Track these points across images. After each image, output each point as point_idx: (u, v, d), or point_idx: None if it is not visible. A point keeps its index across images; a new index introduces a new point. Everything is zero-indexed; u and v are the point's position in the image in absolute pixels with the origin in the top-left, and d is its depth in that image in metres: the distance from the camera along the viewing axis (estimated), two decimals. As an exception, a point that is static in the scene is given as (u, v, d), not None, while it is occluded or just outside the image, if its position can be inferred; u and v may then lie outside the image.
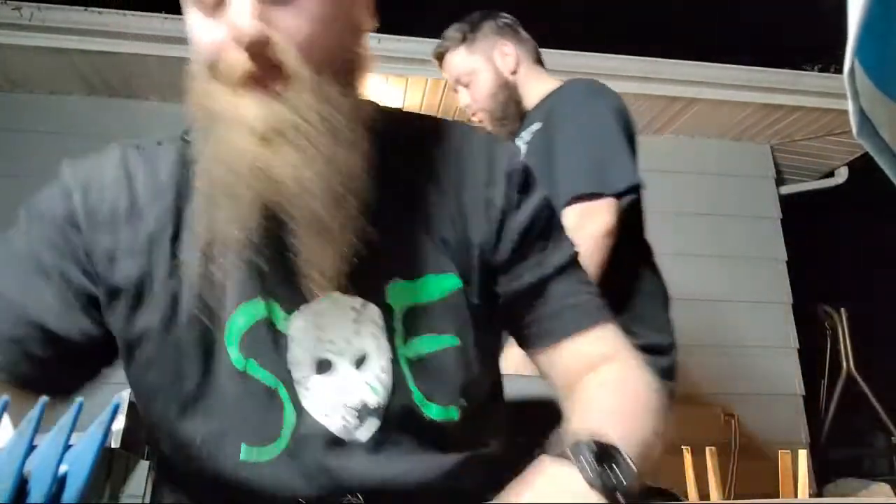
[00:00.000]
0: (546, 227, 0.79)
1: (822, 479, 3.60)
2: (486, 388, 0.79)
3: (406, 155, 0.76)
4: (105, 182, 0.74)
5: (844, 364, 4.01)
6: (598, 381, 0.74)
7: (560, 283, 0.78)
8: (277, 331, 0.70)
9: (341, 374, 0.70)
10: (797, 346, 3.69)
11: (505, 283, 0.77)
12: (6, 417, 0.49)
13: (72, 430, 0.43)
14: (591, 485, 0.56)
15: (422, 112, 3.65)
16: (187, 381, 0.70)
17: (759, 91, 3.55)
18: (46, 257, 0.70)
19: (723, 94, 3.55)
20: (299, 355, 0.70)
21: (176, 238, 0.71)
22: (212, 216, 0.66)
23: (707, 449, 2.01)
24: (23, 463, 0.41)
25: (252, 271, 0.70)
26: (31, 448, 0.42)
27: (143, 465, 2.26)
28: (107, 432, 0.45)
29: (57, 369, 0.70)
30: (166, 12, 3.16)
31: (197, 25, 0.65)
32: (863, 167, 3.83)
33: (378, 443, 0.69)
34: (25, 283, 0.69)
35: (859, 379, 3.94)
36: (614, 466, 0.57)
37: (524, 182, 0.79)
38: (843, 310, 4.10)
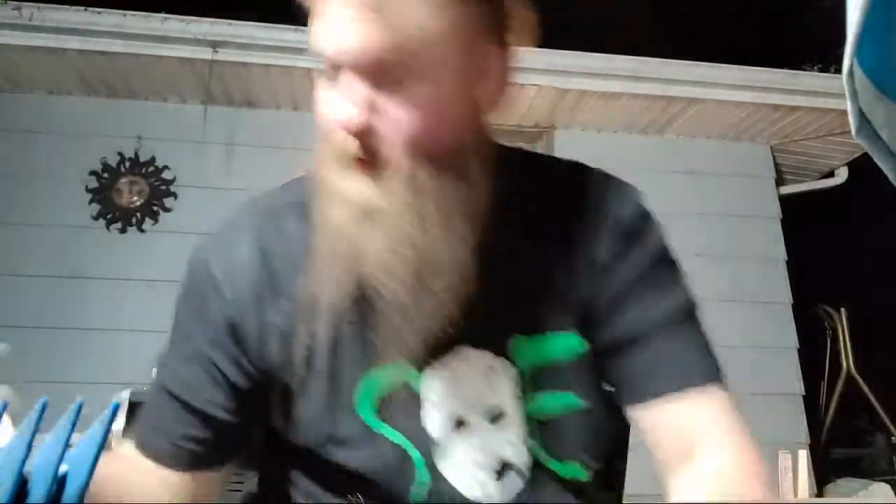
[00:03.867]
0: (657, 276, 0.74)
1: (822, 479, 3.60)
2: (613, 444, 0.78)
3: (530, 198, 0.74)
4: (244, 267, 0.73)
5: (844, 364, 4.01)
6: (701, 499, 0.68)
7: (667, 335, 0.72)
8: (411, 390, 0.69)
9: (477, 432, 0.69)
10: (797, 346, 3.69)
11: (603, 332, 0.72)
12: (6, 417, 0.49)
13: (72, 430, 0.43)
14: None
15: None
16: (323, 431, 0.71)
17: (759, 91, 3.55)
18: (207, 353, 0.73)
19: (723, 94, 3.55)
20: (432, 413, 0.69)
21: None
22: (317, 282, 0.67)
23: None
24: (23, 463, 0.41)
25: (378, 338, 0.68)
26: (32, 448, 0.42)
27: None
28: (107, 432, 0.45)
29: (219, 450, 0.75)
30: (166, 12, 3.16)
31: (322, 94, 0.66)
32: (863, 167, 3.82)
33: (519, 499, 0.68)
34: (194, 379, 0.73)
35: (859, 379, 3.94)
36: None
37: (634, 232, 0.74)
38: (843, 310, 4.10)
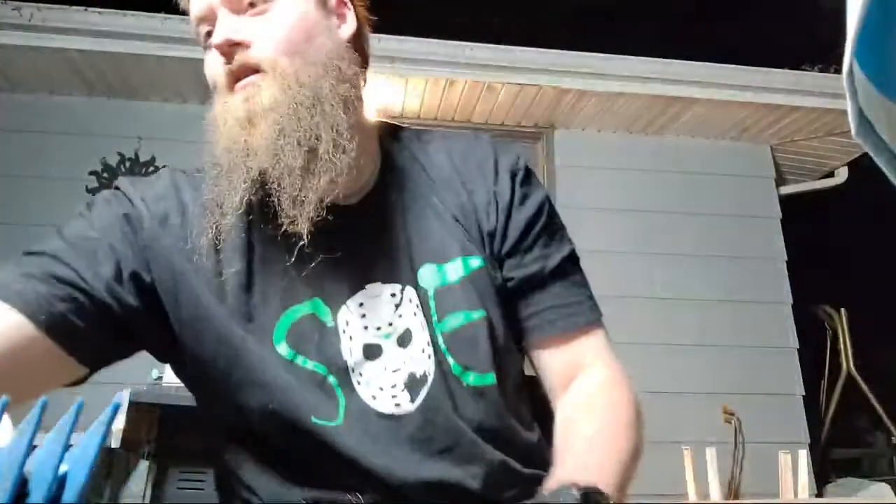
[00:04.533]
0: (548, 223, 0.88)
1: (822, 479, 3.60)
2: (517, 367, 0.86)
3: (420, 161, 0.89)
4: (158, 193, 0.86)
5: (844, 364, 4.01)
6: (583, 400, 0.81)
7: (559, 279, 0.85)
8: (325, 325, 0.78)
9: (389, 356, 0.79)
10: (797, 346, 3.69)
11: (509, 271, 0.85)
12: (6, 417, 0.49)
13: (72, 430, 0.43)
14: None
15: (421, 110, 3.65)
16: (240, 367, 0.77)
17: (759, 91, 3.55)
18: (107, 239, 0.77)
19: (723, 94, 3.55)
20: (349, 345, 0.78)
21: (217, 251, 0.80)
22: (219, 192, 0.77)
23: (707, 449, 2.02)
24: (23, 463, 0.41)
25: (294, 277, 0.79)
26: (32, 448, 0.42)
27: (143, 465, 2.26)
28: (107, 432, 0.45)
29: (94, 335, 0.73)
30: (166, 12, 3.16)
31: (206, 61, 0.82)
32: (863, 167, 3.83)
33: (423, 410, 0.77)
34: (85, 256, 0.75)
35: (859, 379, 3.94)
36: None
37: (526, 180, 0.89)
38: (843, 310, 4.10)
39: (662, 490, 2.18)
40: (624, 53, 3.50)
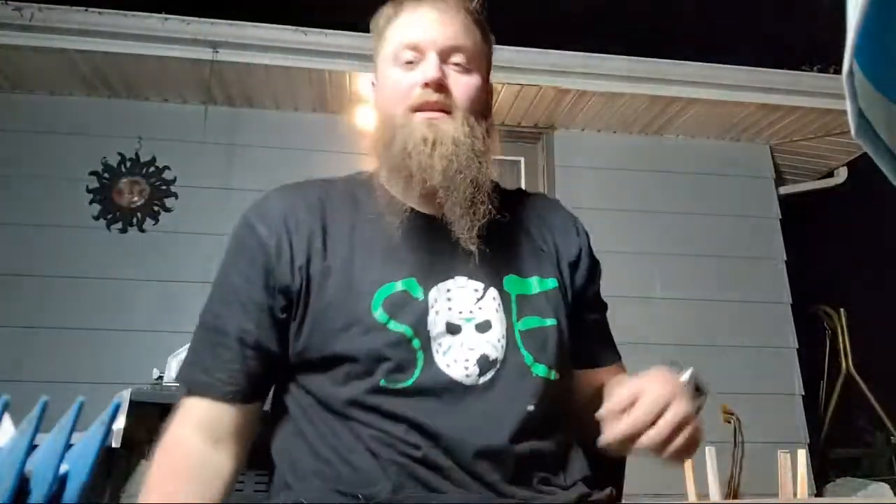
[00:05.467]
0: (599, 274, 1.10)
1: (822, 479, 3.60)
2: (570, 374, 1.01)
3: (511, 201, 1.06)
4: (274, 212, 0.98)
5: (844, 364, 4.01)
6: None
7: (603, 322, 1.10)
8: (416, 299, 0.92)
9: (467, 335, 0.92)
10: (797, 346, 3.69)
11: (579, 309, 1.04)
12: (6, 417, 0.49)
13: (72, 429, 0.43)
14: (686, 383, 0.87)
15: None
16: (339, 322, 0.91)
17: (759, 91, 3.55)
18: (250, 291, 0.94)
19: (723, 94, 3.55)
20: (434, 318, 0.92)
21: (325, 235, 0.96)
22: (387, 192, 0.99)
23: (707, 449, 2.01)
24: (23, 462, 0.41)
25: (398, 258, 0.95)
26: (32, 447, 0.42)
27: (144, 465, 2.26)
28: (107, 432, 0.45)
29: (264, 380, 0.96)
30: (166, 12, 3.16)
31: (395, 75, 1.00)
32: (862, 167, 3.83)
33: (489, 387, 0.90)
34: (244, 313, 0.94)
35: (859, 379, 3.94)
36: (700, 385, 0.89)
37: (587, 238, 1.10)
38: (842, 310, 4.10)
39: (662, 490, 2.19)
40: (624, 54, 3.50)
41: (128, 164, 3.48)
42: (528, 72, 3.42)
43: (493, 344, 0.92)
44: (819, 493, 3.39)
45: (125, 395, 1.99)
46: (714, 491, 1.94)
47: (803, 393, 3.64)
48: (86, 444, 0.44)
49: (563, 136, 3.86)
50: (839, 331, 4.07)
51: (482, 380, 0.90)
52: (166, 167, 3.49)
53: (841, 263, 4.51)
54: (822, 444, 3.80)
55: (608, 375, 1.05)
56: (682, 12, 3.99)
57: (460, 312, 0.93)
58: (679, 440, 0.81)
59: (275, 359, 0.93)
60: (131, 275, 3.31)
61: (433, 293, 0.93)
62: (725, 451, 3.25)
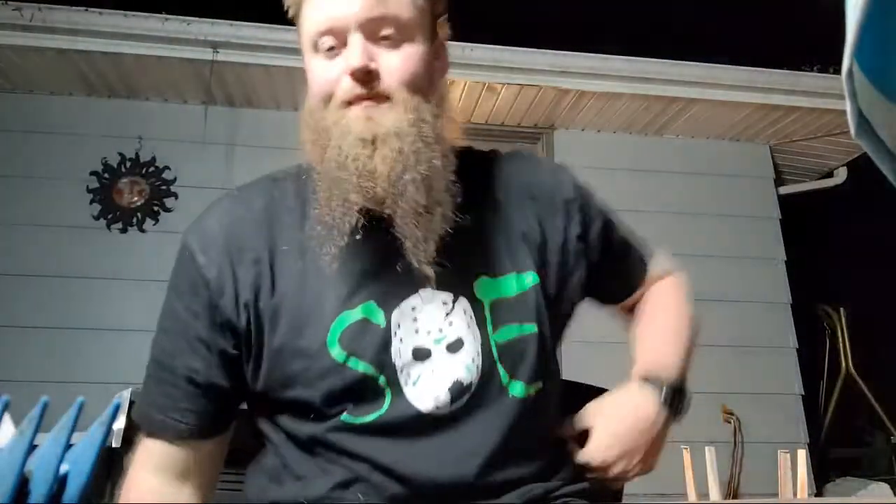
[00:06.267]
0: (604, 207, 1.02)
1: (822, 478, 3.60)
2: (557, 381, 0.94)
3: (483, 178, 0.94)
4: (213, 236, 0.87)
5: (844, 364, 4.01)
6: (652, 307, 1.05)
7: (625, 243, 1.04)
8: (377, 327, 0.82)
9: (438, 360, 0.83)
10: (797, 346, 3.69)
11: (597, 255, 0.97)
12: (6, 417, 0.49)
13: (72, 430, 0.43)
14: (663, 403, 0.90)
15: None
16: (295, 366, 0.83)
17: (759, 91, 3.55)
18: (196, 329, 0.85)
19: (723, 94, 3.55)
20: (399, 347, 0.82)
21: (273, 261, 0.85)
22: (327, 205, 0.81)
23: (706, 449, 2.01)
24: (23, 462, 0.41)
25: (353, 280, 0.83)
26: (32, 448, 0.42)
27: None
28: (107, 432, 0.45)
29: (221, 415, 0.88)
30: (166, 12, 3.16)
31: (318, 67, 0.84)
32: (862, 167, 3.83)
33: (460, 416, 0.82)
34: (196, 353, 0.85)
35: (859, 379, 3.94)
36: (682, 399, 0.92)
37: (585, 188, 1.01)
38: (842, 310, 4.10)
39: (662, 490, 2.19)
40: (624, 53, 3.50)
41: (128, 164, 3.47)
42: (528, 72, 3.42)
43: (465, 365, 0.83)
44: (819, 493, 3.39)
45: (125, 395, 1.99)
46: (714, 491, 1.93)
47: (803, 393, 3.64)
48: (86, 444, 0.44)
49: (563, 136, 3.86)
50: (839, 330, 4.07)
51: (454, 407, 0.82)
52: (166, 167, 3.49)
53: (841, 263, 4.51)
54: (822, 444, 3.80)
55: (637, 300, 1.06)
56: (682, 12, 3.99)
57: (428, 332, 0.83)
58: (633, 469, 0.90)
59: (231, 393, 0.86)
60: (131, 275, 3.31)
61: (395, 316, 0.83)
62: (725, 451, 3.25)
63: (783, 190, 4.05)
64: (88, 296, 3.26)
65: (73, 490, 0.42)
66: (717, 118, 3.75)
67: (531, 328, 0.86)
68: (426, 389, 0.82)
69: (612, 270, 1.02)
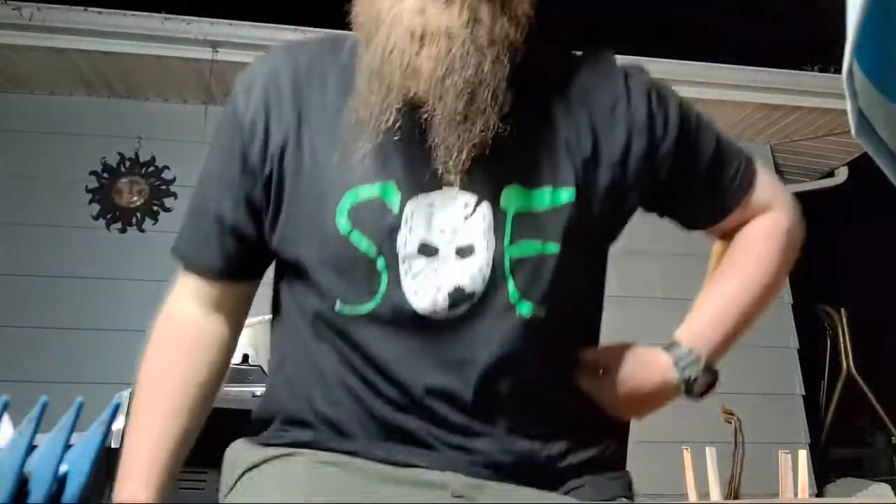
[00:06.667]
0: (697, 121, 0.93)
1: (822, 479, 3.60)
2: (584, 309, 0.89)
3: (542, 81, 0.86)
4: (256, 86, 0.87)
5: (844, 364, 4.01)
6: (730, 260, 1.01)
7: (714, 158, 0.93)
8: (389, 211, 0.79)
9: (443, 260, 0.78)
10: (797, 346, 3.69)
11: (668, 174, 0.88)
12: (6, 417, 0.49)
13: (72, 429, 0.43)
14: (674, 376, 0.85)
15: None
16: (304, 240, 0.82)
17: (759, 91, 3.55)
18: (229, 170, 0.87)
19: (723, 94, 3.55)
20: (407, 236, 0.78)
21: (306, 118, 0.84)
22: (365, 99, 0.77)
23: (707, 449, 2.01)
24: (23, 462, 0.41)
25: (379, 158, 0.79)
26: (32, 448, 0.42)
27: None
28: (107, 432, 0.45)
29: (246, 261, 0.90)
30: (166, 12, 3.16)
31: None
32: (863, 167, 3.82)
33: (462, 323, 0.78)
34: (222, 193, 0.88)
35: (859, 379, 3.93)
36: (697, 375, 0.86)
37: (660, 94, 0.90)
38: (843, 310, 4.10)
39: (662, 490, 2.19)
40: (624, 54, 3.50)
41: (127, 164, 3.47)
42: (528, 72, 3.42)
43: (471, 274, 0.78)
44: (819, 493, 3.39)
45: (125, 395, 1.99)
46: (714, 491, 1.93)
47: (804, 393, 3.64)
48: (85, 444, 0.44)
49: (563, 136, 3.86)
50: (839, 331, 4.06)
51: (451, 314, 0.78)
52: (166, 167, 3.49)
53: (841, 263, 4.51)
54: (822, 444, 3.80)
55: (745, 207, 0.96)
56: (683, 12, 3.99)
57: (441, 231, 0.79)
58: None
59: (255, 243, 0.87)
60: (131, 275, 3.31)
61: (411, 205, 0.79)
62: (726, 451, 3.25)
63: (783, 190, 4.05)
64: (88, 296, 3.26)
65: (72, 490, 0.42)
66: (718, 118, 3.70)
67: (554, 247, 0.80)
68: (425, 286, 0.78)
69: (693, 190, 0.93)
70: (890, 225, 3.22)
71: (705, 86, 3.54)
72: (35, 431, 0.43)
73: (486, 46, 0.75)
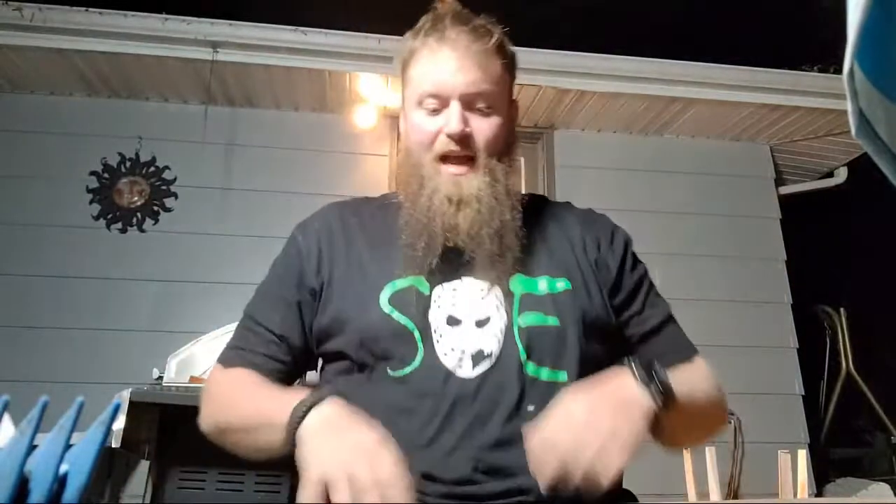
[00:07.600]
0: (651, 287, 1.13)
1: (823, 479, 3.60)
2: (582, 369, 0.99)
3: (546, 213, 1.15)
4: (312, 232, 1.12)
5: (844, 364, 4.01)
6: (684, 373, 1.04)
7: (669, 326, 1.10)
8: (422, 294, 1.00)
9: (466, 329, 0.97)
10: (797, 346, 3.69)
11: (632, 328, 1.08)
12: (6, 417, 0.49)
13: (72, 429, 0.43)
14: (638, 380, 0.87)
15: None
16: (349, 311, 1.01)
17: (759, 91, 3.55)
18: (281, 289, 1.08)
19: (723, 94, 3.55)
20: (436, 312, 0.99)
21: (350, 245, 1.08)
22: (410, 247, 1.01)
23: (707, 449, 2.01)
24: (23, 462, 0.41)
25: (414, 262, 1.01)
26: (32, 448, 0.42)
27: (144, 465, 2.26)
28: (107, 432, 0.45)
29: (286, 366, 1.06)
30: (166, 12, 3.16)
31: (421, 120, 1.06)
32: (863, 167, 3.82)
33: (483, 378, 0.94)
34: (273, 306, 1.08)
35: (859, 379, 3.94)
36: (655, 373, 0.88)
37: (634, 254, 1.13)
38: (842, 310, 4.10)
39: (662, 490, 2.19)
40: (624, 53, 3.50)
41: (128, 164, 3.48)
42: (528, 72, 3.42)
43: (488, 337, 0.96)
44: (819, 494, 3.39)
45: (125, 395, 1.99)
46: (714, 491, 1.93)
47: (803, 393, 3.63)
48: (86, 445, 0.44)
49: (563, 136, 3.86)
50: (839, 330, 4.07)
51: (475, 372, 0.94)
52: (166, 167, 3.49)
53: (841, 263, 4.51)
54: (822, 444, 3.80)
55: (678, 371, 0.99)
56: (683, 12, 3.99)
57: (463, 308, 0.99)
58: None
59: (297, 350, 1.05)
60: (131, 275, 3.31)
61: (438, 290, 1.00)
62: (725, 451, 3.25)
63: (783, 190, 4.05)
64: (88, 296, 3.26)
65: (72, 490, 0.42)
66: (718, 118, 3.75)
67: (554, 320, 0.98)
68: (452, 348, 0.95)
69: (639, 331, 1.08)
70: (890, 225, 3.22)
71: (705, 86, 3.54)
72: (35, 431, 0.43)
73: (505, 198, 1.03)
